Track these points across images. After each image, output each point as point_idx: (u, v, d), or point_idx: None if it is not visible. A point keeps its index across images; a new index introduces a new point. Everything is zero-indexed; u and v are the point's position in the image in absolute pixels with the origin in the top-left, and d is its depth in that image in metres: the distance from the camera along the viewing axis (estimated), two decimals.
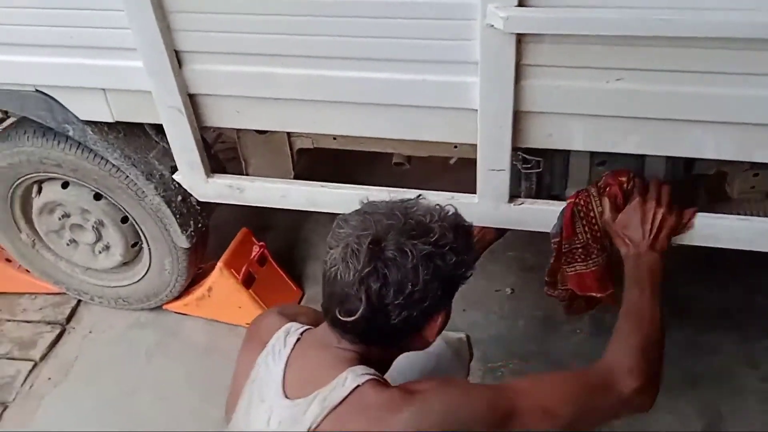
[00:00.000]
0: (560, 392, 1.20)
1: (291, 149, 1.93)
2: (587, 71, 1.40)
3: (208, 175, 1.85)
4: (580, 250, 1.67)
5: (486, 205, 1.67)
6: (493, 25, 1.34)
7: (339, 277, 1.09)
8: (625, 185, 1.59)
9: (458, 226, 1.17)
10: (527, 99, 1.46)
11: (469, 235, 1.21)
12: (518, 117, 1.50)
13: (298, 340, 1.21)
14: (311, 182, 1.81)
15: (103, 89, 1.78)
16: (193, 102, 1.71)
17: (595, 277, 1.69)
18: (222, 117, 1.75)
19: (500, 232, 1.83)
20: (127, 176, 1.98)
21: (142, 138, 1.99)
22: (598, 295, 1.72)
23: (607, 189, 1.60)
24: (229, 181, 1.84)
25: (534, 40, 1.36)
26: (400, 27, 1.44)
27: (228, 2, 1.51)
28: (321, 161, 2.13)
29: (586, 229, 1.64)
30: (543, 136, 1.54)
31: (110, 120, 1.85)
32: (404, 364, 1.30)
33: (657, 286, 1.43)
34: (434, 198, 1.22)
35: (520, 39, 1.36)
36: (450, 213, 1.17)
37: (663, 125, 1.45)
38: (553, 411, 1.15)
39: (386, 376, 1.20)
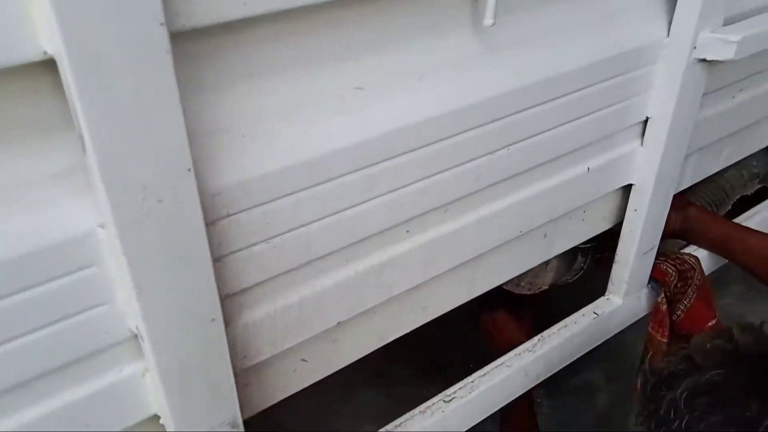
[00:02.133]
0: None
1: None
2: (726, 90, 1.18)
3: None
4: (679, 284, 1.44)
5: (632, 299, 1.27)
6: (705, 59, 0.98)
7: None
8: None
9: None
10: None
11: None
12: None
13: None
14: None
15: None
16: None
17: (704, 304, 1.44)
18: (277, 388, 0.88)
19: None
20: None
21: None
22: (711, 324, 1.48)
23: None
24: None
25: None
26: (564, 109, 0.94)
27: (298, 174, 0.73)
28: None
29: (667, 259, 1.41)
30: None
31: None
32: None
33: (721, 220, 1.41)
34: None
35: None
36: None
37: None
38: None
39: None
